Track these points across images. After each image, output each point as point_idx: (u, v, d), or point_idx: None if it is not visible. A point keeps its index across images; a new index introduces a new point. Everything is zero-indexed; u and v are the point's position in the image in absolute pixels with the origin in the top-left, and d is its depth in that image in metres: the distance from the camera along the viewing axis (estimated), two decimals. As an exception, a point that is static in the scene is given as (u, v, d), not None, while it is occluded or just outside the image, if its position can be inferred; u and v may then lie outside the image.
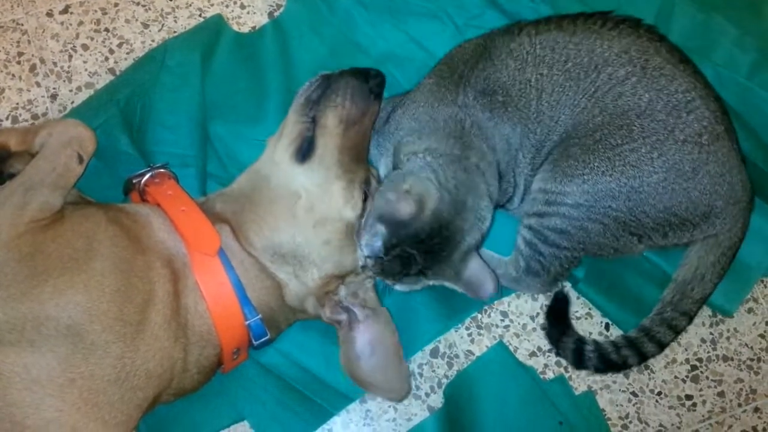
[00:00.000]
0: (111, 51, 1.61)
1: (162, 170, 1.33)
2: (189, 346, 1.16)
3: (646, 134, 1.28)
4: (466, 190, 1.29)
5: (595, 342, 1.41)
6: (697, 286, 1.41)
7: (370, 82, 1.31)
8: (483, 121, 1.34)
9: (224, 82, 1.58)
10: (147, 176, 1.31)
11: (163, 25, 1.64)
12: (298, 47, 1.62)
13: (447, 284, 1.33)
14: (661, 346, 1.40)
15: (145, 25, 1.64)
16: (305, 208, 1.22)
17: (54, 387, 1.01)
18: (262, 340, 1.24)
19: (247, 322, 1.20)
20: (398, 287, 1.32)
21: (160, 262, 1.14)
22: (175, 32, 1.63)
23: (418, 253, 1.25)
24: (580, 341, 1.40)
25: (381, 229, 1.24)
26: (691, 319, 1.42)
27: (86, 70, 1.58)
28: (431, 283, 1.32)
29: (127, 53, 1.61)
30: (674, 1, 1.63)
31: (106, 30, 1.62)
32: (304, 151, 1.25)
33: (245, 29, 1.66)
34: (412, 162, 1.32)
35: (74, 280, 1.04)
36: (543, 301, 1.50)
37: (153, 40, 1.63)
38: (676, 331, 1.41)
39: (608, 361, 1.38)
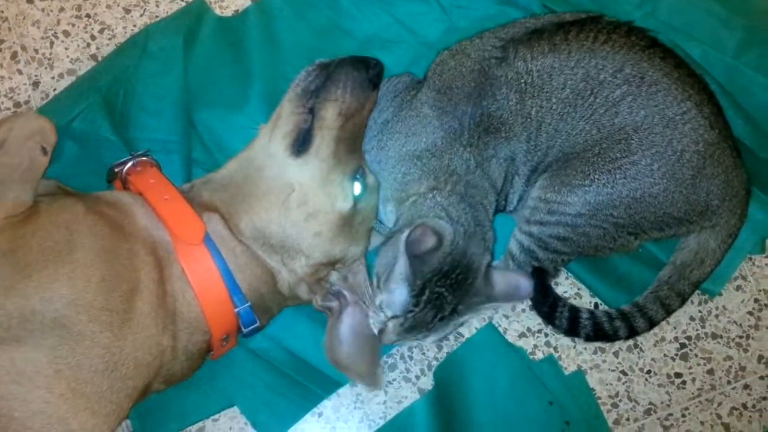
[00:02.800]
0: (93, 37, 1.59)
1: (144, 158, 1.31)
2: (177, 333, 1.15)
3: (645, 147, 1.29)
4: (476, 223, 1.31)
5: (589, 311, 1.41)
6: (696, 269, 1.42)
7: (369, 72, 1.28)
8: (486, 159, 1.34)
9: (208, 67, 1.56)
10: (128, 165, 1.29)
11: (144, 10, 1.62)
12: (282, 30, 1.60)
13: (486, 311, 1.39)
14: (652, 324, 1.41)
15: (127, 11, 1.62)
16: (298, 201, 1.21)
17: (41, 379, 1.00)
18: (252, 327, 1.23)
19: (236, 310, 1.19)
20: (430, 340, 1.31)
21: (144, 249, 1.13)
22: (156, 17, 1.61)
23: (446, 290, 1.24)
24: (575, 309, 1.40)
25: (402, 273, 1.23)
26: (684, 301, 1.42)
27: (68, 56, 1.57)
28: (464, 320, 1.33)
29: (109, 39, 1.59)
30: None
31: (88, 16, 1.60)
32: (300, 144, 1.23)
33: (228, 13, 1.64)
34: (419, 204, 1.32)
35: (58, 272, 1.03)
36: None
37: (135, 26, 1.61)
38: (668, 311, 1.41)
39: (600, 330, 1.39)
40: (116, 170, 1.30)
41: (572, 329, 1.40)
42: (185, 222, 1.17)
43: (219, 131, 1.51)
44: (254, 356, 1.38)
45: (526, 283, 1.31)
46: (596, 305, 1.51)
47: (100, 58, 1.56)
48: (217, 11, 1.63)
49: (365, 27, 1.61)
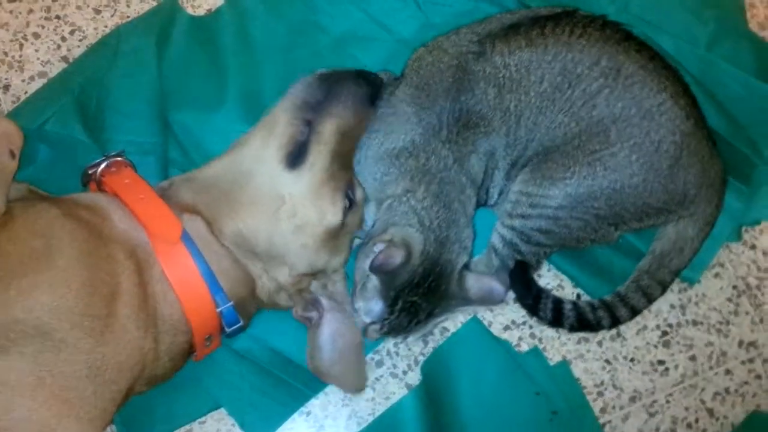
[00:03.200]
0: (63, 39, 1.56)
1: (118, 159, 1.29)
2: (159, 336, 1.13)
3: (623, 139, 1.30)
4: (448, 225, 1.31)
5: (572, 302, 1.41)
6: (676, 257, 1.43)
7: (371, 89, 1.28)
8: (465, 155, 1.34)
9: (182, 66, 1.54)
10: (102, 166, 1.27)
11: (115, 10, 1.59)
12: (256, 29, 1.58)
13: (463, 312, 1.40)
14: (634, 312, 1.41)
15: (97, 11, 1.59)
16: (288, 213, 1.19)
17: (24, 387, 0.97)
18: (235, 327, 1.22)
19: (219, 309, 1.18)
20: (411, 339, 1.35)
21: (123, 253, 1.10)
22: (128, 17, 1.59)
23: (419, 298, 1.26)
24: (558, 301, 1.41)
25: (376, 286, 1.25)
26: (664, 289, 1.43)
27: (38, 59, 1.53)
28: (442, 320, 1.36)
29: (80, 40, 1.56)
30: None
31: (57, 17, 1.57)
32: (295, 157, 1.21)
33: (201, 12, 1.62)
34: (393, 209, 1.31)
35: (38, 280, 1.00)
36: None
37: (106, 26, 1.58)
38: (650, 300, 1.42)
39: (584, 320, 1.39)
40: (90, 172, 1.27)
41: (556, 320, 1.40)
42: (162, 220, 1.15)
43: (195, 131, 1.49)
44: (239, 357, 1.36)
45: (499, 288, 1.32)
46: (578, 296, 1.51)
47: (71, 60, 1.53)
48: (189, 10, 1.61)
49: (340, 24, 1.60)
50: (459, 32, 1.42)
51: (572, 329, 1.41)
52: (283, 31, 1.59)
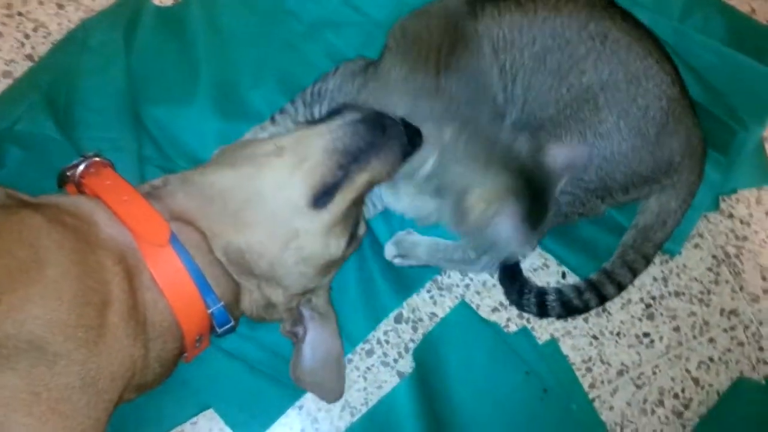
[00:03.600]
0: (26, 36, 1.50)
1: (96, 159, 1.25)
2: (149, 342, 1.11)
3: (612, 104, 1.30)
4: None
5: (557, 290, 1.42)
6: (660, 230, 1.44)
7: (413, 147, 1.24)
8: (465, 112, 1.32)
9: (151, 59, 1.50)
10: (81, 167, 1.22)
11: (80, 4, 1.54)
12: (226, 17, 1.55)
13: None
14: (620, 288, 1.43)
15: (60, 6, 1.53)
16: (297, 245, 1.16)
17: (19, 403, 0.94)
18: (226, 327, 1.20)
19: (210, 310, 1.15)
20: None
21: (112, 259, 1.07)
22: (93, 11, 1.53)
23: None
24: (541, 293, 1.42)
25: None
26: (648, 262, 1.45)
27: (2, 58, 1.48)
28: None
29: (44, 37, 1.50)
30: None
31: (19, 14, 1.51)
32: (319, 198, 1.17)
33: (168, 2, 1.58)
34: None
35: (29, 293, 0.96)
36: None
37: (70, 21, 1.52)
38: (635, 274, 1.44)
39: (570, 306, 1.41)
40: (68, 173, 1.23)
41: (542, 312, 1.43)
42: (148, 222, 1.11)
43: (169, 126, 1.46)
44: (228, 356, 1.34)
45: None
46: (564, 275, 1.52)
47: (36, 58, 1.48)
48: (156, 1, 1.57)
49: (312, 10, 1.58)
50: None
51: (560, 317, 1.44)
52: (255, 19, 1.56)
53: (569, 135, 1.31)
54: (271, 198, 1.16)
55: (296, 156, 1.18)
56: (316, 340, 1.29)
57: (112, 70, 1.45)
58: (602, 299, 1.42)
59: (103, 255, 1.06)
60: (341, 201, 1.18)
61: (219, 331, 1.19)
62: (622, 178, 1.34)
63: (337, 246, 1.20)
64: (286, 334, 1.29)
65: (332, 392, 1.33)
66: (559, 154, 1.31)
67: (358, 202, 1.24)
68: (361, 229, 1.30)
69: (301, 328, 1.29)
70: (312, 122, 1.29)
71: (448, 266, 1.46)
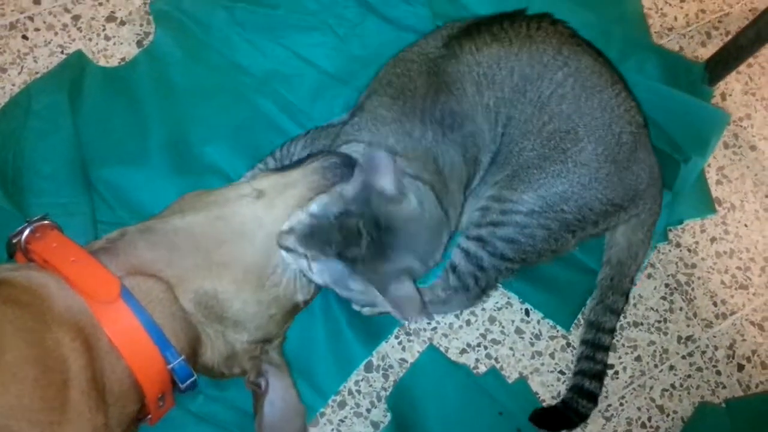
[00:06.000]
0: (-31, 101, 1.46)
1: (43, 222, 1.21)
2: (109, 409, 1.06)
3: (590, 132, 1.34)
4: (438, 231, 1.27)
5: (574, 388, 1.44)
6: (633, 263, 1.48)
7: None
8: (455, 157, 1.32)
9: (99, 120, 1.48)
10: (26, 233, 1.17)
11: (22, 67, 1.51)
12: (176, 74, 1.54)
13: (369, 294, 1.20)
14: (612, 333, 1.47)
15: (3, 70, 1.50)
16: (272, 284, 1.16)
17: None
18: (189, 381, 1.16)
19: (170, 365, 1.12)
20: (316, 268, 1.14)
21: (69, 335, 1.02)
22: (37, 73, 1.51)
23: (367, 235, 1.13)
24: (567, 406, 1.44)
25: (345, 190, 1.16)
26: (627, 299, 1.49)
27: (-57, 125, 1.43)
28: (354, 284, 1.16)
29: (-13, 102, 1.47)
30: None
31: (-40, 78, 1.47)
32: None
33: (114, 62, 1.56)
34: None
35: None
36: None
37: (14, 85, 1.49)
38: (618, 314, 1.47)
39: (590, 393, 1.44)
40: (14, 241, 1.18)
41: (582, 417, 1.45)
42: (95, 280, 1.07)
43: (122, 187, 1.44)
44: (198, 419, 1.30)
45: (413, 310, 1.16)
46: (527, 311, 1.54)
47: (-20, 124, 1.43)
48: (102, 62, 1.55)
49: (262, 63, 1.59)
50: (419, 43, 1.43)
51: (595, 402, 1.45)
52: (204, 74, 1.55)
53: (551, 165, 1.33)
54: (251, 236, 1.15)
55: (277, 196, 1.19)
56: (273, 394, 1.26)
57: (58, 133, 1.42)
58: (605, 359, 1.46)
59: (60, 331, 1.01)
60: None
61: (182, 387, 1.15)
62: (598, 206, 1.36)
63: (308, 288, 1.21)
64: (249, 386, 1.25)
65: None
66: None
67: None
68: None
69: (263, 380, 1.25)
70: (287, 167, 1.29)
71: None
